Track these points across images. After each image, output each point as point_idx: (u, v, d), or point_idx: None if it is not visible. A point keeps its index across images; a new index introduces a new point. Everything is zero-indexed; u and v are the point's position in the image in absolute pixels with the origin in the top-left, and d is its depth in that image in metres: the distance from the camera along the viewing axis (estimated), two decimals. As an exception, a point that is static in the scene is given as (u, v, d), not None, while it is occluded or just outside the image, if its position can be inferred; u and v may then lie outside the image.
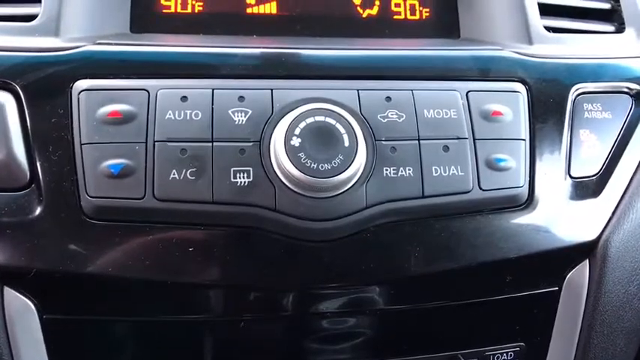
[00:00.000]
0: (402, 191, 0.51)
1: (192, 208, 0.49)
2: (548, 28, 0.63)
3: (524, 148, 0.55)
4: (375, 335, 0.57)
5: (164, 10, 0.62)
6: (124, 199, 0.48)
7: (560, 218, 0.56)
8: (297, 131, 0.49)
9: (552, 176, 0.56)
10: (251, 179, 0.49)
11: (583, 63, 0.61)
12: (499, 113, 0.55)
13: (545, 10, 0.64)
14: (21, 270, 0.48)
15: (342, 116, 0.50)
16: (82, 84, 0.50)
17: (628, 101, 0.62)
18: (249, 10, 0.64)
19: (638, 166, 0.60)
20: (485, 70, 0.57)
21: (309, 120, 0.49)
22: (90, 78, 0.51)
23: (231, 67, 0.53)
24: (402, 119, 0.52)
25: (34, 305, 0.50)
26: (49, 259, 0.48)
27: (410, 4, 0.67)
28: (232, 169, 0.49)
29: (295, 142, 0.48)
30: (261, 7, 0.64)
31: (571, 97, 0.59)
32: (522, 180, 0.54)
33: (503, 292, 0.56)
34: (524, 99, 0.57)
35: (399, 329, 0.57)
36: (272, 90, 0.52)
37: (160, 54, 0.54)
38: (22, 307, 0.50)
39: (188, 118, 0.50)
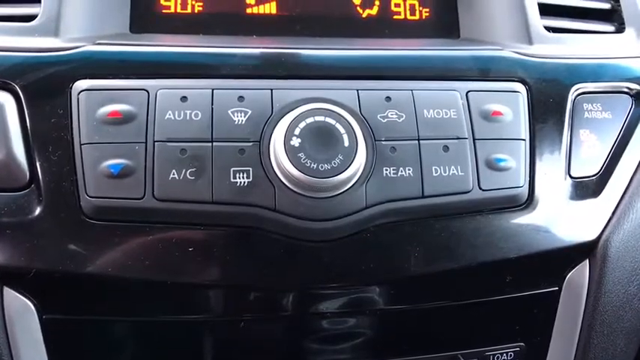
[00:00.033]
0: (401, 191, 0.51)
1: (192, 208, 0.49)
2: (548, 28, 0.63)
3: (524, 148, 0.55)
4: (375, 335, 0.57)
5: (164, 11, 0.62)
6: (124, 199, 0.48)
7: (560, 218, 0.56)
8: (297, 131, 0.49)
9: (552, 176, 0.56)
10: (251, 179, 0.49)
11: (583, 63, 0.61)
12: (499, 113, 0.55)
13: (545, 10, 0.64)
14: (21, 270, 0.48)
15: (341, 116, 0.50)
16: (81, 84, 0.50)
17: (628, 101, 0.62)
18: (248, 10, 0.64)
19: (638, 166, 0.60)
20: (485, 70, 0.57)
21: (309, 120, 0.49)
22: (90, 78, 0.51)
23: (230, 67, 0.53)
24: (401, 119, 0.52)
25: (34, 305, 0.50)
26: (49, 259, 0.48)
27: (410, 4, 0.67)
28: (232, 169, 0.49)
29: (295, 142, 0.48)
30: (261, 7, 0.64)
31: (571, 97, 0.59)
32: (522, 180, 0.54)
33: (503, 292, 0.56)
34: (524, 99, 0.57)
35: (399, 329, 0.57)
36: (272, 90, 0.52)
37: (160, 54, 0.54)
38: (21, 307, 0.50)
39: (188, 118, 0.50)
